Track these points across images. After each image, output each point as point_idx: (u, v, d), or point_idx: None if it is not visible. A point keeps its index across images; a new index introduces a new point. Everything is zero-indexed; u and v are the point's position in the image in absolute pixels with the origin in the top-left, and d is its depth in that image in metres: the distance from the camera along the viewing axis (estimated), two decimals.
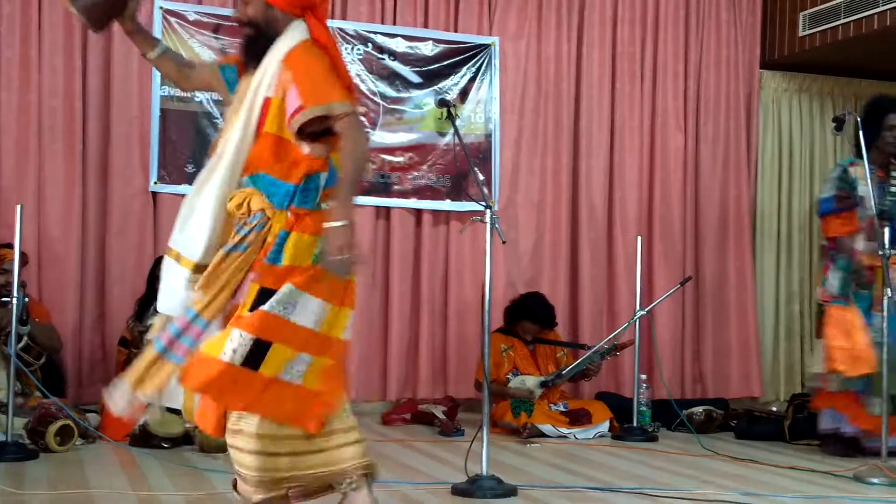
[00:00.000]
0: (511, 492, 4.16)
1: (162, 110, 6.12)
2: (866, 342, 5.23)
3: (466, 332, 6.68)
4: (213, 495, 3.95)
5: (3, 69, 5.91)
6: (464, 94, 6.74)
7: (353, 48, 6.53)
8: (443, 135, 6.68)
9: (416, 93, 6.65)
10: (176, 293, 3.05)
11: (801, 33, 7.14)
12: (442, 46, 6.70)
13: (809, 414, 5.71)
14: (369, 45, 6.56)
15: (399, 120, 6.62)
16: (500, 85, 6.82)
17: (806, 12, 7.07)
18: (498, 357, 6.13)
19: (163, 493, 4.01)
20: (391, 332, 6.59)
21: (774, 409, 6.67)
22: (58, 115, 5.99)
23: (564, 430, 5.87)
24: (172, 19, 6.14)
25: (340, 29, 6.48)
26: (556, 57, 6.95)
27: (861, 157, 5.23)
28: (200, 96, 6.13)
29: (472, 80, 6.76)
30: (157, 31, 6.04)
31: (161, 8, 6.11)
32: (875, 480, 4.64)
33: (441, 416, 6.02)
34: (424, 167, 6.65)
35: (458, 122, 5.37)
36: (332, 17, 6.51)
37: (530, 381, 6.10)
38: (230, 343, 2.92)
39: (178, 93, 6.09)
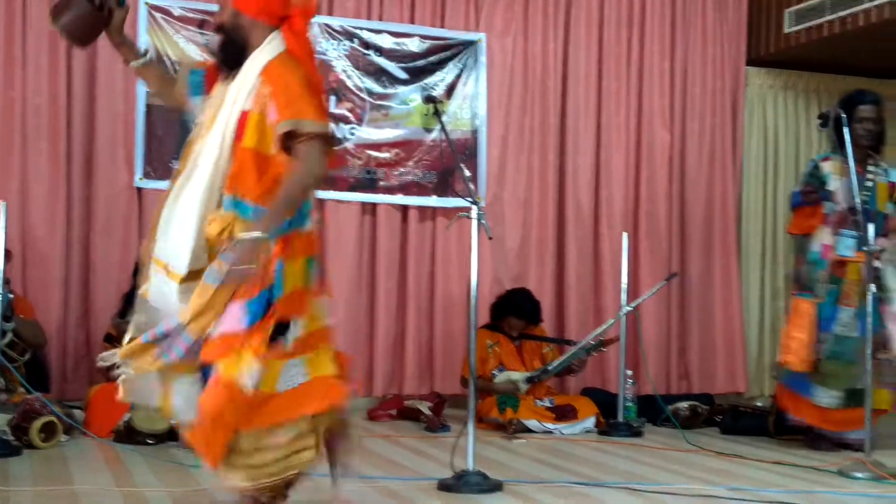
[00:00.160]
0: (497, 487, 4.16)
1: (147, 106, 6.09)
2: (813, 339, 5.36)
3: (453, 329, 6.68)
4: (198, 491, 3.93)
5: None
6: (450, 90, 6.73)
7: (339, 44, 6.51)
8: (429, 131, 6.68)
9: (402, 89, 6.64)
10: (168, 300, 3.09)
11: (786, 30, 7.15)
12: (428, 42, 6.70)
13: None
14: (355, 40, 6.55)
15: (385, 116, 6.61)
16: (487, 81, 6.82)
17: (791, 9, 7.09)
18: (484, 353, 6.14)
19: (147, 489, 3.99)
20: (377, 328, 6.59)
21: (759, 404, 6.70)
22: (42, 113, 5.96)
23: (550, 426, 5.88)
24: (157, 15, 6.12)
25: (326, 24, 6.47)
26: (543, 54, 6.95)
27: (837, 151, 5.32)
28: None
29: (459, 76, 6.76)
30: (141, 27, 6.03)
31: (146, 3, 6.08)
32: (859, 475, 4.66)
33: (427, 411, 6.02)
34: (411, 163, 6.64)
35: (444, 119, 5.36)
36: (319, 13, 6.50)
37: (516, 377, 6.11)
38: (247, 369, 2.98)
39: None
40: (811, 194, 5.52)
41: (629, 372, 6.18)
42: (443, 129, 4.55)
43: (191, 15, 6.18)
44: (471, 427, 4.22)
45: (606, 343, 6.17)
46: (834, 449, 5.43)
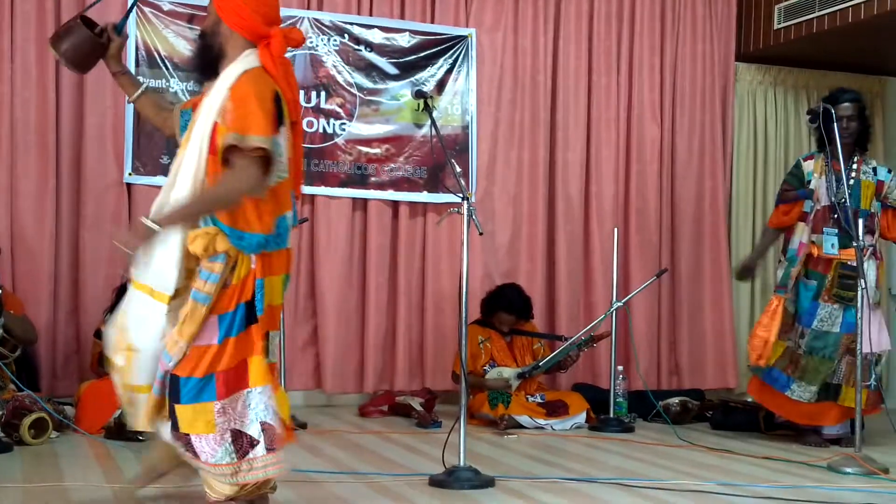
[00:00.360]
0: (488, 483, 4.16)
1: (137, 110, 6.05)
2: (775, 336, 5.45)
3: (443, 324, 6.68)
4: (187, 487, 3.92)
5: None
6: (440, 85, 6.72)
7: (329, 39, 6.50)
8: (419, 126, 6.67)
9: (392, 84, 6.64)
10: (152, 324, 3.10)
11: (776, 26, 7.17)
12: (419, 38, 6.69)
13: None
14: (346, 36, 6.54)
15: (375, 111, 6.60)
16: (477, 77, 6.81)
17: (781, 5, 7.10)
18: (475, 349, 6.14)
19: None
20: (368, 324, 6.58)
21: (749, 399, 6.71)
22: (31, 107, 5.93)
23: (541, 422, 5.88)
24: (147, 9, 6.09)
25: (317, 20, 6.46)
26: (533, 49, 6.95)
27: (820, 150, 5.41)
28: (175, 86, 6.09)
29: (449, 71, 6.75)
30: (131, 22, 5.99)
31: None
32: (849, 470, 4.68)
33: (418, 407, 6.02)
34: (401, 159, 6.63)
35: (434, 114, 5.36)
36: (309, 8, 6.50)
37: (507, 373, 6.11)
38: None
39: (153, 83, 6.04)
40: (788, 192, 5.66)
41: (620, 367, 6.19)
42: (433, 124, 4.54)
43: (180, 10, 6.16)
44: (462, 423, 4.22)
45: (597, 339, 6.18)
46: (823, 444, 5.46)
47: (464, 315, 4.32)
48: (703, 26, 7.33)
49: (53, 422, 4.85)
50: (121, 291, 5.43)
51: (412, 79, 6.65)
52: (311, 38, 6.44)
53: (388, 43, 6.63)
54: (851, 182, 5.45)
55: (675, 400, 6.41)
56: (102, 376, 4.80)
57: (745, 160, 7.52)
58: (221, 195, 3.08)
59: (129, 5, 4.33)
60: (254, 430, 3.11)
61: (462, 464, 4.18)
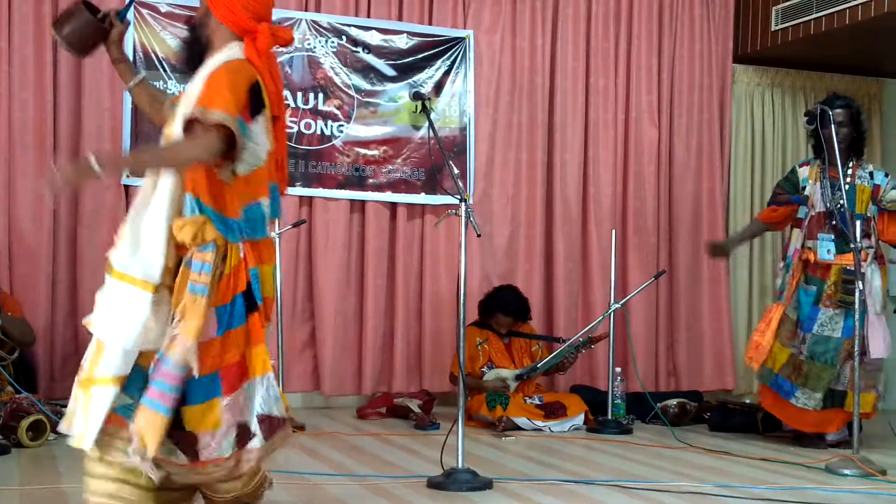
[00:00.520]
0: (486, 485, 4.16)
1: (134, 102, 6.05)
2: (770, 341, 5.50)
3: (441, 326, 6.68)
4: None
5: None
6: (438, 87, 6.73)
7: (327, 41, 6.50)
8: (417, 128, 6.67)
9: (390, 86, 6.64)
10: (134, 319, 2.97)
11: (773, 28, 7.17)
12: (416, 39, 6.69)
13: None
14: (343, 37, 6.54)
15: (373, 113, 6.60)
16: (475, 78, 6.81)
17: (778, 7, 7.11)
18: (473, 350, 6.14)
19: None
20: (366, 326, 6.58)
21: (748, 401, 6.71)
22: (28, 107, 5.92)
23: (540, 423, 5.88)
24: (144, 11, 6.09)
25: (314, 21, 6.46)
26: (531, 51, 6.95)
27: (816, 155, 5.45)
28: (173, 87, 6.08)
29: (447, 73, 6.75)
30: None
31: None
32: (847, 472, 4.68)
33: (416, 409, 6.02)
34: (399, 160, 6.63)
35: (432, 116, 5.37)
36: (306, 9, 6.49)
37: (505, 375, 6.11)
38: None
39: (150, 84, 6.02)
40: (780, 195, 5.75)
41: (618, 369, 6.19)
42: (431, 126, 4.55)
43: (178, 11, 6.15)
44: (460, 424, 4.22)
45: (595, 340, 6.18)
46: (822, 446, 5.46)
47: (462, 317, 4.32)
48: (700, 28, 7.34)
49: (51, 424, 4.84)
50: None
51: (410, 80, 6.65)
52: (308, 39, 6.44)
53: (385, 44, 6.63)
54: (847, 187, 5.46)
55: (673, 401, 6.41)
56: None
57: (743, 161, 7.52)
58: (169, 155, 3.06)
59: None
60: (253, 423, 3.08)
61: (460, 466, 4.18)
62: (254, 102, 3.07)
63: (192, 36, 3.23)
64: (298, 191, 6.41)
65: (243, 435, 3.06)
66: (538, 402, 6.02)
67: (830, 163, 5.40)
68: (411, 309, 6.70)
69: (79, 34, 3.26)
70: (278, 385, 3.22)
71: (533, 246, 6.93)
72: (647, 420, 6.30)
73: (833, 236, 5.43)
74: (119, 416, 2.99)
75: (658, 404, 6.26)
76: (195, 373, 2.96)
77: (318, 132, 6.47)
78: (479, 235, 4.35)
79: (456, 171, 6.47)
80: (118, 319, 2.98)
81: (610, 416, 6.02)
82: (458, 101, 6.77)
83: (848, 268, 5.31)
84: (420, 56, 6.69)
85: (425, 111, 4.54)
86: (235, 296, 3.05)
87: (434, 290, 6.71)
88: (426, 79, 6.70)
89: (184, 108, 3.07)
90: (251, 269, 3.08)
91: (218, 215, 3.02)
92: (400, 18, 6.71)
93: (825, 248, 5.45)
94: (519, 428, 5.83)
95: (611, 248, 6.25)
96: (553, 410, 5.97)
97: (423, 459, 4.79)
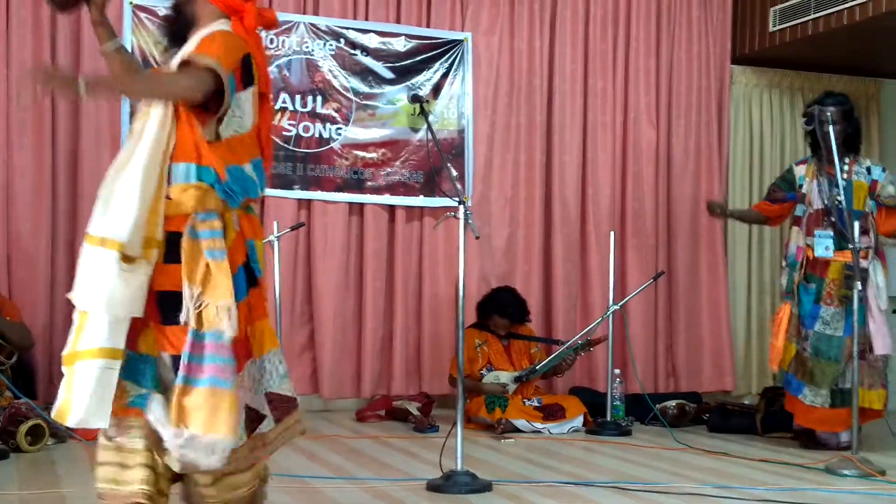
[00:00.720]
0: (486, 487, 4.16)
1: (132, 103, 6.06)
2: (784, 341, 5.51)
3: (440, 328, 6.68)
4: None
5: None
6: (437, 89, 6.73)
7: (325, 44, 6.50)
8: (416, 131, 6.67)
9: (388, 88, 6.64)
10: (102, 283, 2.79)
11: (771, 29, 7.17)
12: (414, 42, 6.69)
13: (781, 407, 5.75)
14: (342, 40, 6.54)
15: (372, 116, 6.60)
16: (473, 80, 6.81)
17: (776, 8, 7.10)
18: (472, 353, 6.13)
19: None
20: (365, 329, 6.57)
21: (747, 402, 6.72)
22: (26, 108, 5.91)
23: (538, 425, 5.88)
24: (142, 15, 6.09)
25: (313, 24, 6.46)
26: (529, 53, 6.95)
27: (813, 154, 5.45)
28: None
29: (445, 75, 6.75)
30: (126, 27, 6.00)
31: (131, 3, 6.06)
32: (846, 472, 4.68)
33: (415, 412, 6.02)
34: (397, 163, 6.63)
35: (430, 118, 5.36)
36: (305, 12, 6.50)
37: (504, 377, 6.11)
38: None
39: None
40: (776, 193, 5.81)
41: (617, 371, 6.19)
42: (429, 128, 4.55)
43: None
44: (459, 427, 4.22)
45: (594, 342, 6.18)
46: (821, 447, 5.45)
47: (460, 319, 4.32)
48: (698, 29, 7.34)
49: (50, 429, 4.83)
50: None
51: (408, 83, 6.65)
52: (307, 42, 6.44)
53: (384, 47, 6.63)
54: (844, 184, 5.46)
55: (672, 403, 6.41)
56: None
57: (741, 162, 7.52)
58: (162, 82, 3.01)
59: None
60: (259, 404, 2.97)
61: (459, 468, 4.18)
62: (244, 73, 3.03)
63: (177, 12, 3.16)
64: (297, 194, 6.41)
65: (252, 418, 2.93)
66: (537, 404, 6.02)
67: (827, 160, 5.41)
68: (410, 311, 6.70)
69: None
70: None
71: (531, 247, 6.93)
72: (647, 421, 6.30)
73: (831, 233, 5.43)
74: (135, 409, 2.86)
75: (657, 405, 6.26)
76: (233, 331, 2.82)
77: (317, 135, 6.47)
78: (477, 237, 4.35)
79: (454, 173, 6.44)
80: (90, 282, 2.82)
81: (609, 418, 6.02)
82: (456, 104, 6.77)
83: (849, 264, 5.30)
84: (418, 58, 6.69)
85: (423, 113, 4.53)
86: (239, 267, 2.93)
87: (433, 292, 6.70)
88: (424, 81, 6.70)
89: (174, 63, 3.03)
90: (248, 241, 3.00)
91: (209, 172, 2.90)
92: (398, 21, 6.71)
93: (823, 245, 5.44)
94: (518, 430, 5.83)
95: (609, 249, 6.25)
96: (552, 412, 5.97)
97: (423, 462, 4.79)
